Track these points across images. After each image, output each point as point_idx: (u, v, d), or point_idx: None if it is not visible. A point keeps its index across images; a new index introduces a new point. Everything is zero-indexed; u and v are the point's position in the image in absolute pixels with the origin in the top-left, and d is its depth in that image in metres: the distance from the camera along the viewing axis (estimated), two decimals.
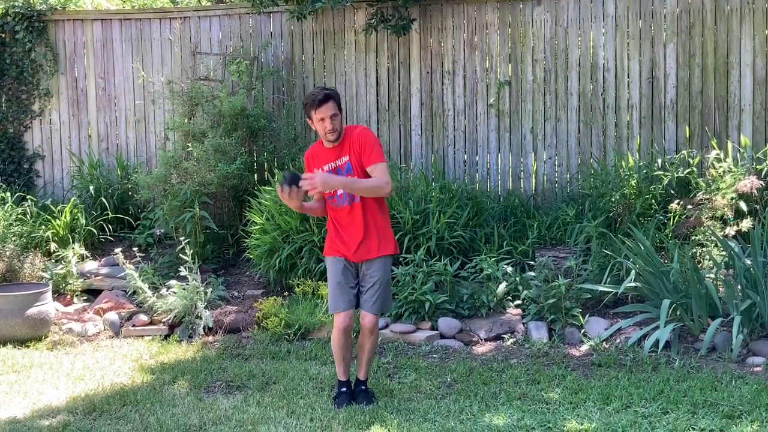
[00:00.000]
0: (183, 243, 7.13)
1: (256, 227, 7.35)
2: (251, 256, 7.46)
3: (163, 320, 6.83)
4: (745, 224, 6.57)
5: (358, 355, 5.18)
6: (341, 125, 4.93)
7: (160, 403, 5.19)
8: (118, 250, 7.30)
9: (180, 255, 7.16)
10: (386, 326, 6.48)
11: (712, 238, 6.56)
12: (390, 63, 8.45)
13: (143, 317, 6.95)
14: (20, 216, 8.35)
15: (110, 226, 8.59)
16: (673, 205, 6.91)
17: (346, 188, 4.85)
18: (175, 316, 6.77)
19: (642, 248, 6.38)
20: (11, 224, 8.14)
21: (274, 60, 8.75)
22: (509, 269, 6.78)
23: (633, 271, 6.32)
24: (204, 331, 6.72)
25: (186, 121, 8.10)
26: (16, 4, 9.23)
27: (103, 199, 8.68)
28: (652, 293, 6.22)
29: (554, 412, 4.84)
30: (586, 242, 7.01)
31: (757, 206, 6.77)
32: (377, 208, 5.01)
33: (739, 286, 5.99)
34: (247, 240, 7.55)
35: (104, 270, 7.95)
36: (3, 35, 9.31)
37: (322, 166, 4.97)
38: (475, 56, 8.19)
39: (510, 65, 8.10)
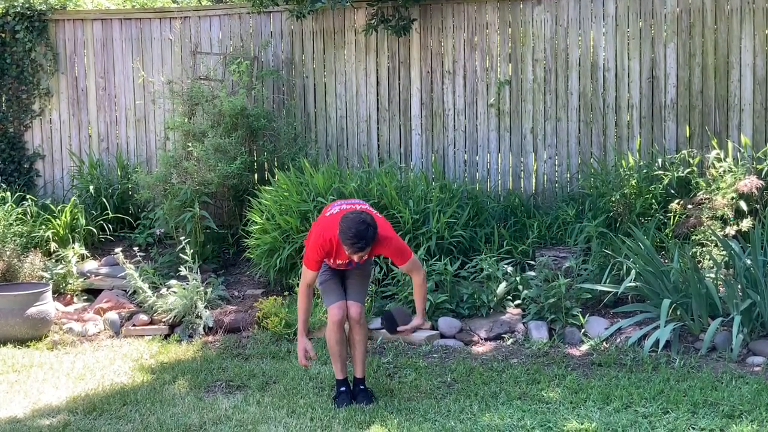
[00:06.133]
0: (183, 243, 7.13)
1: (257, 227, 7.35)
2: (251, 256, 7.46)
3: (163, 320, 6.83)
4: (746, 224, 6.57)
5: (351, 352, 5.19)
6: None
7: (160, 403, 5.20)
8: (118, 249, 7.29)
9: (180, 255, 7.16)
10: None
11: (713, 237, 6.56)
12: (390, 63, 8.44)
13: (143, 317, 6.95)
14: (20, 216, 8.34)
15: (110, 226, 8.59)
16: (674, 205, 6.91)
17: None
18: (175, 316, 6.77)
19: (642, 248, 6.38)
20: (11, 224, 8.13)
21: (274, 59, 8.75)
22: (509, 269, 6.78)
23: (633, 271, 6.32)
24: (204, 330, 6.72)
25: (186, 120, 8.10)
26: (16, 3, 9.21)
27: (103, 199, 8.68)
28: (652, 293, 6.22)
29: (554, 412, 4.84)
30: (587, 242, 7.00)
31: (758, 206, 6.77)
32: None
33: (739, 286, 5.99)
34: (247, 240, 7.55)
35: (104, 270, 7.96)
36: (3, 35, 9.31)
37: (334, 259, 4.99)
38: (476, 56, 8.19)
39: (510, 65, 8.09)
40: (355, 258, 4.80)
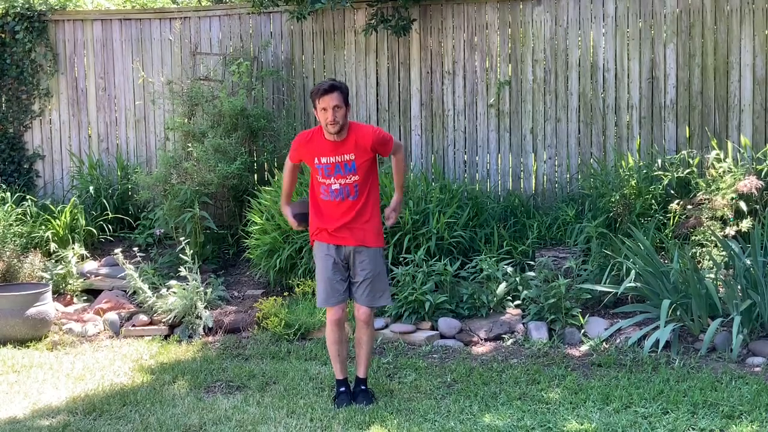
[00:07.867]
0: (183, 243, 7.14)
1: (256, 227, 7.35)
2: (251, 256, 7.46)
3: (163, 320, 6.83)
4: (745, 224, 6.57)
5: (356, 351, 5.19)
6: (345, 119, 4.91)
7: (160, 403, 5.20)
8: (118, 250, 7.29)
9: (180, 255, 7.16)
10: (386, 326, 6.48)
11: (712, 238, 6.56)
12: (390, 63, 8.45)
13: (143, 317, 6.95)
14: (20, 216, 8.34)
15: (110, 226, 8.59)
16: (673, 206, 6.91)
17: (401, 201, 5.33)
18: (175, 316, 6.77)
19: (642, 248, 6.38)
20: (11, 224, 8.14)
21: (274, 60, 8.75)
22: (509, 269, 6.78)
23: (633, 272, 6.32)
24: (204, 331, 6.72)
25: (186, 121, 8.10)
26: (16, 4, 9.22)
27: (103, 200, 8.68)
28: (652, 293, 6.22)
29: (554, 413, 4.84)
30: (586, 242, 7.01)
31: (757, 206, 6.77)
32: (372, 203, 5.05)
33: (739, 286, 5.99)
34: (247, 240, 7.56)
35: (104, 270, 7.95)
36: (3, 35, 9.31)
37: (318, 157, 4.96)
38: (475, 56, 8.20)
39: (510, 65, 8.10)
40: (330, 111, 4.81)
